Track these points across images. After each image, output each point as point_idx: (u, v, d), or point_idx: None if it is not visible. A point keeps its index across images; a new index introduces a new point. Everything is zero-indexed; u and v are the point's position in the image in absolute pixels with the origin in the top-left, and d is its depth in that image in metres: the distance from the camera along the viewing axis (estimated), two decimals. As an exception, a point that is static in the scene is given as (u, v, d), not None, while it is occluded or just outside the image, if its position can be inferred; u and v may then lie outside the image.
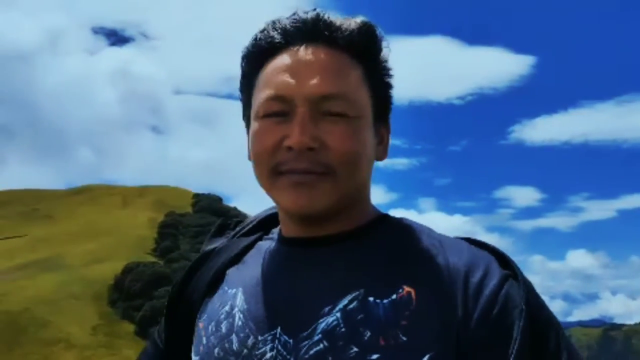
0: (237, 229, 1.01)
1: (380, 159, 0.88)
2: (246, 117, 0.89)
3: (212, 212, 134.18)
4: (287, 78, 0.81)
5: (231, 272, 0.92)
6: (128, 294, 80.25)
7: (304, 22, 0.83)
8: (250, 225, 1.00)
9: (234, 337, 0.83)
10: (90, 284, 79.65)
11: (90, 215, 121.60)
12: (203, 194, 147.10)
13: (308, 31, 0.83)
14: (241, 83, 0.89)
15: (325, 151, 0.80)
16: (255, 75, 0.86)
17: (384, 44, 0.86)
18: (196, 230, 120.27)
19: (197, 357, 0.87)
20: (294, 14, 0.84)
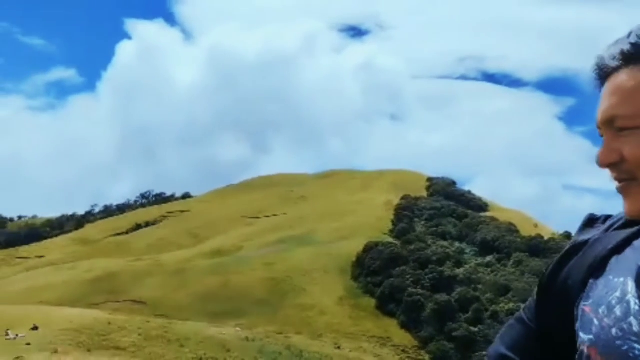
0: (609, 222, 1.09)
1: None
2: None
3: (445, 195, 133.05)
4: (599, 106, 0.96)
5: (613, 262, 1.01)
6: (369, 270, 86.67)
7: (622, 50, 0.93)
8: (624, 220, 1.06)
9: (632, 319, 0.91)
10: (336, 259, 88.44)
11: (336, 197, 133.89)
12: (437, 178, 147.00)
13: (623, 57, 0.93)
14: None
15: (624, 162, 0.94)
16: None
17: None
18: (431, 213, 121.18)
19: (590, 336, 0.97)
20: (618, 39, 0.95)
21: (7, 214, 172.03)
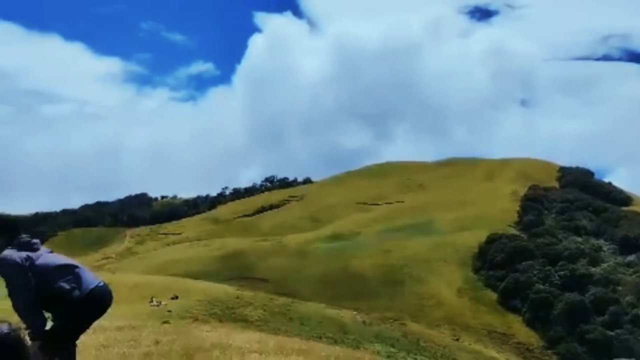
0: None
1: None
2: None
3: (580, 187, 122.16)
4: None
5: None
6: (491, 263, 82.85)
7: None
8: None
9: None
10: (456, 249, 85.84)
11: (456, 186, 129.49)
12: (570, 168, 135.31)
13: None
14: None
15: None
16: None
17: None
18: (562, 206, 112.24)
19: None
20: None
21: (153, 193, 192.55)
